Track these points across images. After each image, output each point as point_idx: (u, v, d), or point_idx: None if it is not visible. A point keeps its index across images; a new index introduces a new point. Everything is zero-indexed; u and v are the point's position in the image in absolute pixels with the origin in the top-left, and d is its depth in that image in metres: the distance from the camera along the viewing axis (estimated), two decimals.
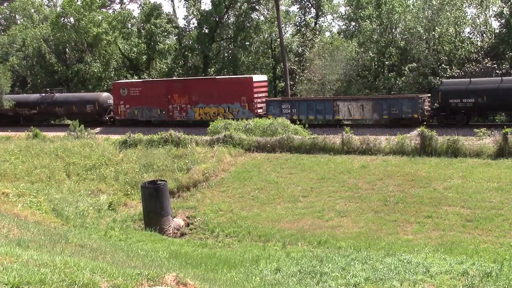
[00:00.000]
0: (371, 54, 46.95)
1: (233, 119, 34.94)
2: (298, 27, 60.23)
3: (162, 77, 55.67)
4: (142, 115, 42.05)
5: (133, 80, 47.16)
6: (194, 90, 40.38)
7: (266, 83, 42.00)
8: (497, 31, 44.87)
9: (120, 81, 47.27)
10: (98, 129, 41.11)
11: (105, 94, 44.75)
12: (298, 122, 33.39)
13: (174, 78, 49.89)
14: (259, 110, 38.31)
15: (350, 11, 56.72)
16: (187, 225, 21.30)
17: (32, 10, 63.74)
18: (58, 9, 61.15)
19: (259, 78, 41.22)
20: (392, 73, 43.94)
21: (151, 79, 50.19)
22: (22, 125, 45.37)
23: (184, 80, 43.40)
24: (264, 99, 39.34)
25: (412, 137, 26.14)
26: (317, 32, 57.94)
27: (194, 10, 56.54)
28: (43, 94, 45.80)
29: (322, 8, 59.21)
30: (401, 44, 45.31)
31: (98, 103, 43.12)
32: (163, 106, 41.23)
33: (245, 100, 38.50)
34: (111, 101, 43.66)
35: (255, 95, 38.61)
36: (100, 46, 55.16)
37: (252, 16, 56.15)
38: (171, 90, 41.24)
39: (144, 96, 41.82)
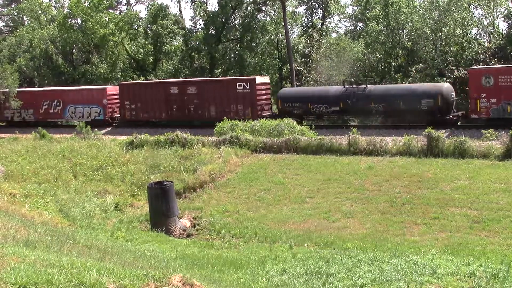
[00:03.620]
0: (377, 55, 46.91)
1: None
2: (304, 28, 60.28)
3: (169, 78, 55.67)
4: None
5: (502, 66, 35.73)
6: None
7: None
8: (505, 32, 44.72)
9: (480, 66, 36.55)
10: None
11: (446, 85, 34.31)
12: None
13: None
14: None
15: (357, 12, 56.71)
16: (194, 226, 21.31)
17: (40, 12, 63.98)
18: (65, 10, 61.39)
19: None
20: (398, 74, 43.82)
21: None
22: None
23: None
24: None
25: (419, 138, 26.08)
26: (324, 33, 57.97)
27: (200, 11, 56.66)
28: (348, 86, 35.84)
29: (329, 9, 59.24)
30: (408, 45, 45.25)
31: (441, 96, 32.48)
32: None
33: None
34: (454, 94, 33.87)
35: None
36: (107, 47, 55.33)
37: (258, 17, 56.24)
38: None
39: None
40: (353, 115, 36.72)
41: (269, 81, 41.00)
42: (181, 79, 46.47)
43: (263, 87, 39.06)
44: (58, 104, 44.95)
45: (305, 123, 35.48)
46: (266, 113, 38.32)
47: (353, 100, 34.73)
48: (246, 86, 38.06)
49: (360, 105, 34.54)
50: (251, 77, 40.42)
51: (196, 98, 39.55)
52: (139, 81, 47.76)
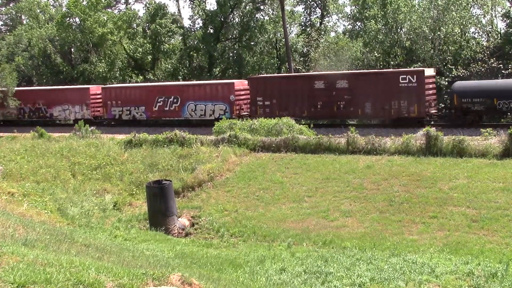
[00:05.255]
0: (376, 54, 46.94)
1: None
2: (303, 27, 60.30)
3: (167, 77, 55.58)
4: None
5: None
6: None
7: None
8: (503, 31, 44.79)
9: None
10: None
11: None
12: None
13: None
14: None
15: (355, 11, 56.76)
16: (192, 225, 21.31)
17: (38, 11, 63.99)
18: (64, 9, 61.38)
19: None
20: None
21: None
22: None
23: None
24: None
25: (417, 137, 26.09)
26: (322, 32, 57.98)
27: (199, 10, 56.63)
28: None
29: (327, 8, 59.25)
30: (407, 44, 45.29)
31: None
32: None
33: None
34: None
35: None
36: (105, 46, 55.31)
37: (257, 16, 56.25)
38: None
39: None
40: None
41: (435, 74, 36.09)
42: (329, 72, 40.60)
43: (430, 80, 34.07)
44: (175, 100, 40.57)
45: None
46: (433, 110, 34.08)
47: None
48: (412, 79, 33.01)
49: None
50: (419, 69, 35.69)
51: (347, 94, 34.73)
52: (275, 74, 43.45)
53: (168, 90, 41.43)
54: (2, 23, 76.91)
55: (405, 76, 33.16)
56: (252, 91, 38.25)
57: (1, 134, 40.38)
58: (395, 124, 33.35)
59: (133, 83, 52.88)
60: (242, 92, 39.28)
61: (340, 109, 34.92)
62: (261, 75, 42.58)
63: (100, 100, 44.05)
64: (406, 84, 33.06)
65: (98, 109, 44.35)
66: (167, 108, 40.95)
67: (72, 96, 44.90)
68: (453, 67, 40.55)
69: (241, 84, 39.93)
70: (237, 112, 38.51)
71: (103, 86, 45.79)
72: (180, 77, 56.14)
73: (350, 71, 39.62)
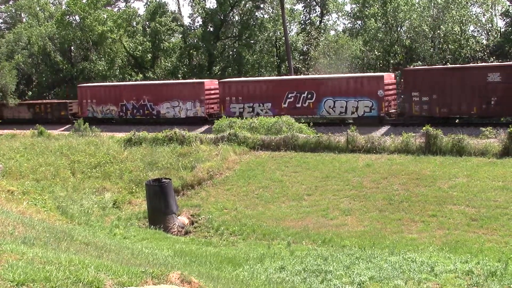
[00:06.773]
0: (376, 52, 46.93)
1: None
2: (303, 26, 60.26)
3: (167, 76, 55.59)
4: None
5: None
6: None
7: None
8: (503, 30, 44.78)
9: None
10: None
11: None
12: None
13: None
14: None
15: (355, 10, 56.80)
16: (192, 223, 21.32)
17: (38, 9, 63.93)
18: (63, 7, 61.33)
19: None
20: (397, 72, 43.85)
21: None
22: None
23: None
24: None
25: (417, 136, 26.09)
26: (322, 31, 57.96)
27: (199, 9, 56.62)
28: None
29: (327, 6, 59.23)
30: (406, 43, 45.29)
31: None
32: None
33: None
34: None
35: None
36: (105, 44, 55.24)
37: (256, 14, 56.23)
38: None
39: None
40: None
41: None
42: (508, 63, 34.85)
43: None
44: (309, 96, 36.56)
45: None
46: None
47: None
48: None
49: None
50: None
51: None
52: (436, 66, 38.70)
53: (301, 84, 37.59)
54: (2, 21, 76.87)
55: None
56: (407, 85, 34.03)
57: (1, 132, 40.36)
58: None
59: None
60: (391, 87, 35.49)
61: None
62: (418, 67, 37.88)
63: (216, 96, 40.46)
64: None
65: (213, 106, 40.66)
66: (299, 105, 36.95)
67: (183, 91, 41.33)
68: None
69: (389, 77, 36.07)
70: (386, 109, 34.62)
71: (220, 80, 42.07)
72: (180, 76, 56.11)
73: None
